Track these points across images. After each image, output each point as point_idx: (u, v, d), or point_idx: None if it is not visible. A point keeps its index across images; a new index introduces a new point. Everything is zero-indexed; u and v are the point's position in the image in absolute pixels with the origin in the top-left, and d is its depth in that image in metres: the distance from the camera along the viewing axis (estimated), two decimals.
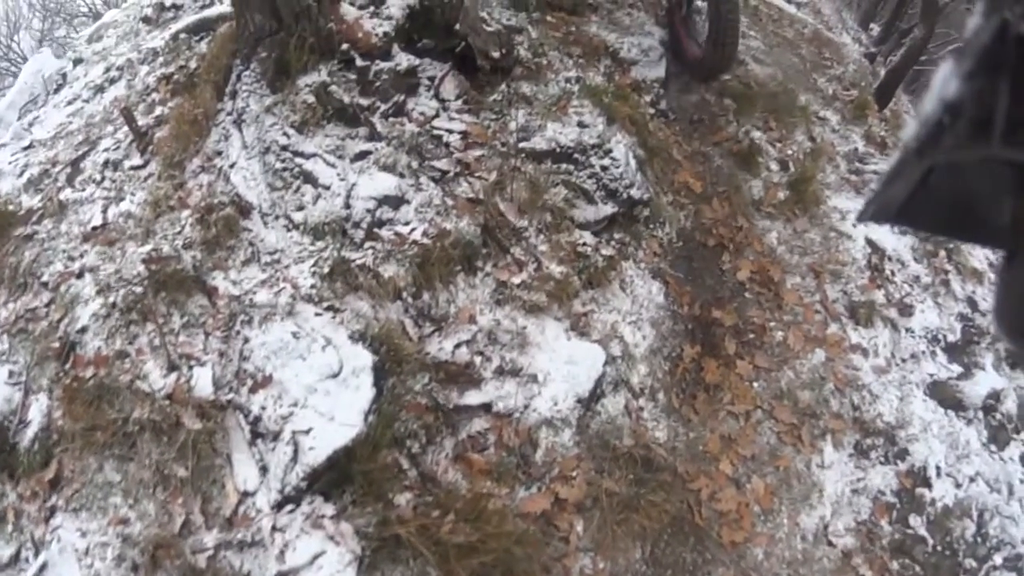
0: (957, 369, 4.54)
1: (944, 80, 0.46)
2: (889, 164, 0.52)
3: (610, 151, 3.91)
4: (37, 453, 3.02)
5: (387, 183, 3.59)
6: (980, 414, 4.43)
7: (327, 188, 3.57)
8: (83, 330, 3.27)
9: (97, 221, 3.79)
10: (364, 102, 3.85)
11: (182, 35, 4.86)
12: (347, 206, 3.53)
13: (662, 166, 4.37)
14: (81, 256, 3.63)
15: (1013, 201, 0.49)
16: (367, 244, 3.49)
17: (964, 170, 0.49)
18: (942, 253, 5.03)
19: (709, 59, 4.72)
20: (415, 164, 3.72)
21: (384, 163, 3.66)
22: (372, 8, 4.04)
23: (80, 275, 3.51)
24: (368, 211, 3.52)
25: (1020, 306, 0.52)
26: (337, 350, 3.18)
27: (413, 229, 3.52)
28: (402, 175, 3.67)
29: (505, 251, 3.61)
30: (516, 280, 3.55)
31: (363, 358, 3.17)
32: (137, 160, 4.06)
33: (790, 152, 4.90)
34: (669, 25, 5.16)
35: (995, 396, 4.51)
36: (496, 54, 4.10)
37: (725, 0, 4.41)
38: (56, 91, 5.71)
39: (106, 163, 4.15)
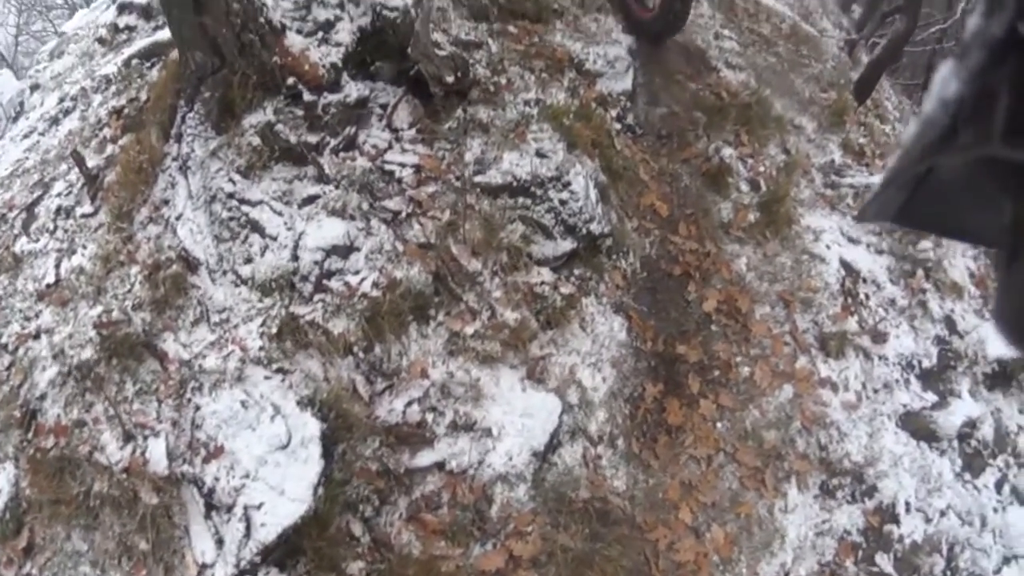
0: (932, 398, 4.43)
1: (944, 80, 0.46)
2: (889, 164, 0.52)
3: (569, 184, 3.77)
4: (9, 521, 3.15)
5: (336, 230, 3.47)
6: (955, 443, 4.35)
7: (274, 239, 3.45)
8: (42, 397, 3.31)
9: (51, 278, 3.77)
10: (312, 139, 3.71)
11: (134, 61, 4.72)
12: (295, 258, 3.42)
13: (627, 189, 4.24)
14: (37, 316, 3.63)
15: (1013, 201, 0.49)
16: (316, 297, 3.38)
17: (964, 170, 0.49)
18: (919, 272, 4.90)
19: (660, 20, 4.82)
20: (366, 205, 3.60)
21: (333, 207, 3.54)
22: (320, 35, 3.86)
23: (37, 336, 3.53)
24: (316, 263, 3.41)
25: (1020, 306, 0.51)
26: (285, 420, 3.13)
27: (363, 279, 3.41)
28: (352, 217, 3.54)
29: (458, 299, 3.49)
30: (469, 330, 3.44)
31: (311, 427, 3.12)
32: (88, 208, 3.97)
33: (762, 169, 4.76)
34: None
35: (971, 424, 4.42)
36: (451, 79, 3.93)
37: None
38: (14, 120, 5.59)
39: (59, 210, 4.09)
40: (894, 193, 0.54)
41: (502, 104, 4.06)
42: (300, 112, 3.73)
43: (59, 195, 4.17)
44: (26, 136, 5.06)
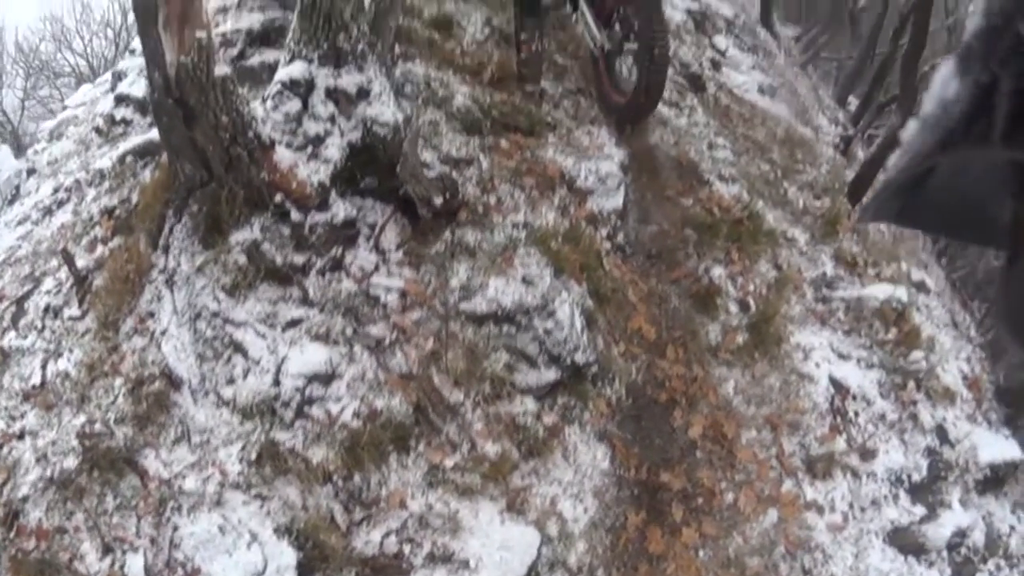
0: (921, 511, 4.38)
1: (944, 81, 0.47)
2: (891, 164, 0.53)
3: (554, 312, 3.79)
4: None
5: (319, 356, 3.48)
6: (944, 553, 4.29)
7: (257, 363, 3.46)
8: (25, 499, 3.31)
9: (37, 379, 3.77)
10: (299, 260, 3.73)
11: (128, 158, 4.75)
12: (277, 383, 3.43)
13: (615, 312, 4.25)
14: (22, 416, 3.64)
15: (1014, 201, 0.49)
16: (297, 424, 3.38)
17: (964, 170, 0.50)
18: (911, 384, 4.88)
19: (634, 104, 5.04)
20: (349, 330, 3.61)
21: (316, 332, 3.55)
22: (310, 149, 3.91)
23: (21, 437, 3.54)
24: (298, 389, 3.42)
25: (1020, 306, 0.52)
26: (262, 547, 3.12)
27: (344, 408, 3.41)
28: (335, 343, 3.56)
29: (438, 431, 3.49)
30: (449, 462, 3.43)
31: (288, 556, 3.13)
32: (75, 310, 3.98)
33: (752, 287, 4.78)
34: (594, 74, 5.42)
35: (961, 533, 4.37)
36: (439, 201, 3.98)
37: (656, 48, 4.72)
38: (9, 203, 5.64)
39: (47, 309, 4.10)
40: (895, 193, 0.54)
41: (490, 227, 4.10)
42: (287, 231, 3.76)
43: (48, 292, 4.19)
44: (20, 223, 5.11)
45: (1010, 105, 0.42)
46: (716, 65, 7.72)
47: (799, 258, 5.33)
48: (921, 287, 6.87)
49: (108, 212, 4.41)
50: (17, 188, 5.75)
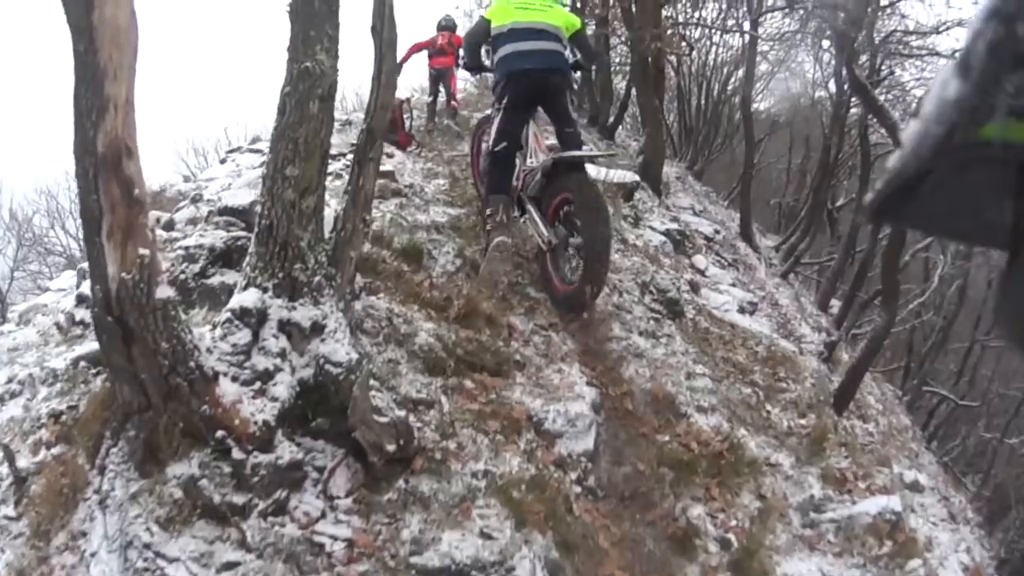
0: None
1: (944, 82, 0.48)
2: (890, 164, 0.52)
3: (513, 569, 3.60)
4: None
5: None
6: None
7: None
8: None
9: None
10: (239, 500, 3.55)
11: (82, 363, 4.65)
12: None
13: (585, 559, 4.03)
14: None
15: (1013, 201, 0.50)
16: None
17: (964, 170, 0.50)
18: None
19: (579, 292, 5.56)
20: None
21: None
22: (258, 384, 3.82)
23: None
24: None
25: (1021, 307, 0.52)
26: None
27: None
28: None
29: None
30: None
31: None
32: (11, 511, 3.76)
33: (734, 523, 4.58)
34: (541, 268, 6.07)
35: None
36: (392, 447, 3.87)
37: (597, 242, 5.36)
38: None
39: None
40: (895, 194, 0.54)
41: (448, 475, 3.98)
42: (228, 469, 3.56)
43: None
44: None
45: (1010, 105, 0.43)
46: (695, 287, 7.87)
47: (784, 484, 5.16)
48: (915, 487, 6.64)
49: (55, 416, 4.26)
50: None
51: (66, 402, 4.46)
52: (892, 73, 12.31)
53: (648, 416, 5.17)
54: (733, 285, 9.09)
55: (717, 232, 11.00)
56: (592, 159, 6.44)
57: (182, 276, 4.88)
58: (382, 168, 7.39)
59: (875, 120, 10.09)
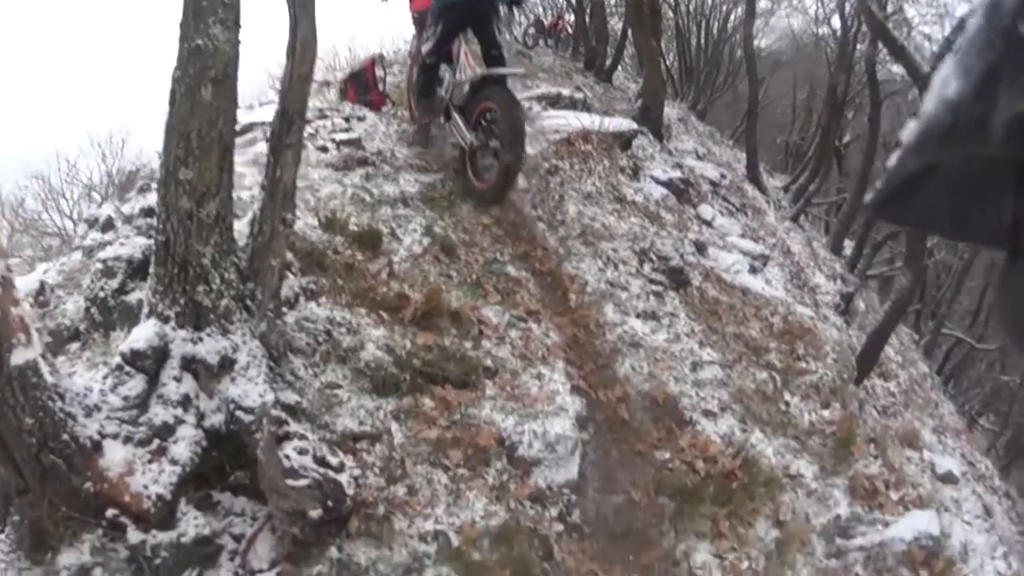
0: None
1: (944, 79, 0.46)
2: (890, 164, 0.52)
3: None
4: None
5: None
6: None
7: None
8: None
9: None
10: None
11: None
12: None
13: None
14: None
15: (1013, 201, 0.49)
16: None
17: (964, 170, 0.49)
18: None
19: (495, 187, 6.03)
20: None
21: None
22: (155, 444, 3.03)
23: None
24: None
25: (1020, 306, 0.51)
26: None
27: None
28: None
29: None
30: None
31: None
32: None
33: (746, 565, 3.78)
34: (460, 166, 6.50)
35: None
36: (316, 512, 3.06)
37: (512, 142, 5.74)
38: None
39: None
40: (895, 193, 0.53)
41: (391, 539, 3.16)
42: (124, 553, 2.83)
43: None
44: None
45: (1010, 104, 0.41)
46: (701, 248, 6.98)
47: (806, 501, 4.35)
48: (947, 478, 5.93)
49: None
50: None
51: None
52: (900, 9, 11.46)
53: (646, 427, 4.34)
54: (743, 236, 8.20)
55: (723, 176, 10.06)
56: (513, 75, 7.07)
57: (101, 294, 4.05)
58: (347, 136, 6.59)
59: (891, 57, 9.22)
